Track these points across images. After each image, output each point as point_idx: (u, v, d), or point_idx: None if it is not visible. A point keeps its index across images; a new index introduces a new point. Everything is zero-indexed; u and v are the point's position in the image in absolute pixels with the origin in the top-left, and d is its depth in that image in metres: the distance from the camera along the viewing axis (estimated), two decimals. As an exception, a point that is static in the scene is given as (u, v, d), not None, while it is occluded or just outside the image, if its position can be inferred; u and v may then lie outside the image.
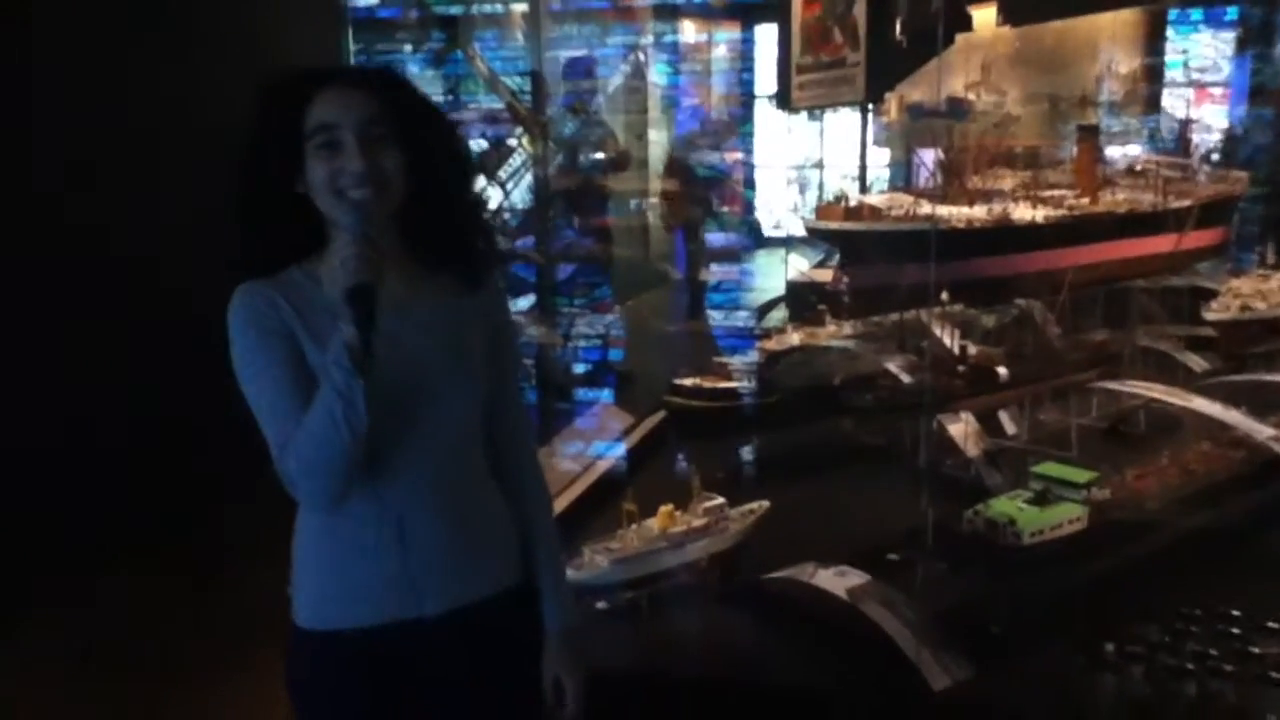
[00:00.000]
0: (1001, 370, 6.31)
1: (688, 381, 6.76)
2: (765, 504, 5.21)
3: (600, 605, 4.76)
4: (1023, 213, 6.84)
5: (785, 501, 5.28)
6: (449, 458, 1.98)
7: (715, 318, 7.71)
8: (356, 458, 1.80)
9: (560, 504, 5.59)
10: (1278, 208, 7.55)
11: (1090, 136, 7.64)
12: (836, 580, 4.53)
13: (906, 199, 6.90)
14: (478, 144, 6.77)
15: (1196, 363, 6.54)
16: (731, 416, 6.60)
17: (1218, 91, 8.22)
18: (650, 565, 4.81)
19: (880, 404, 6.31)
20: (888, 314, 6.84)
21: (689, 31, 8.67)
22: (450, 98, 6.78)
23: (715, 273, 8.06)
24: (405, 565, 1.93)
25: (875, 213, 6.74)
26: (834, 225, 6.88)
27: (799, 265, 8.05)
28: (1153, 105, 8.20)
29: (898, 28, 7.05)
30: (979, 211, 6.78)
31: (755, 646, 4.47)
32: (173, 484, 3.14)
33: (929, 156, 7.87)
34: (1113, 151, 8.03)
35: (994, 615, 4.39)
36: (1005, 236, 6.67)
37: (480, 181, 6.63)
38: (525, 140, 6.83)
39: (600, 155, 7.40)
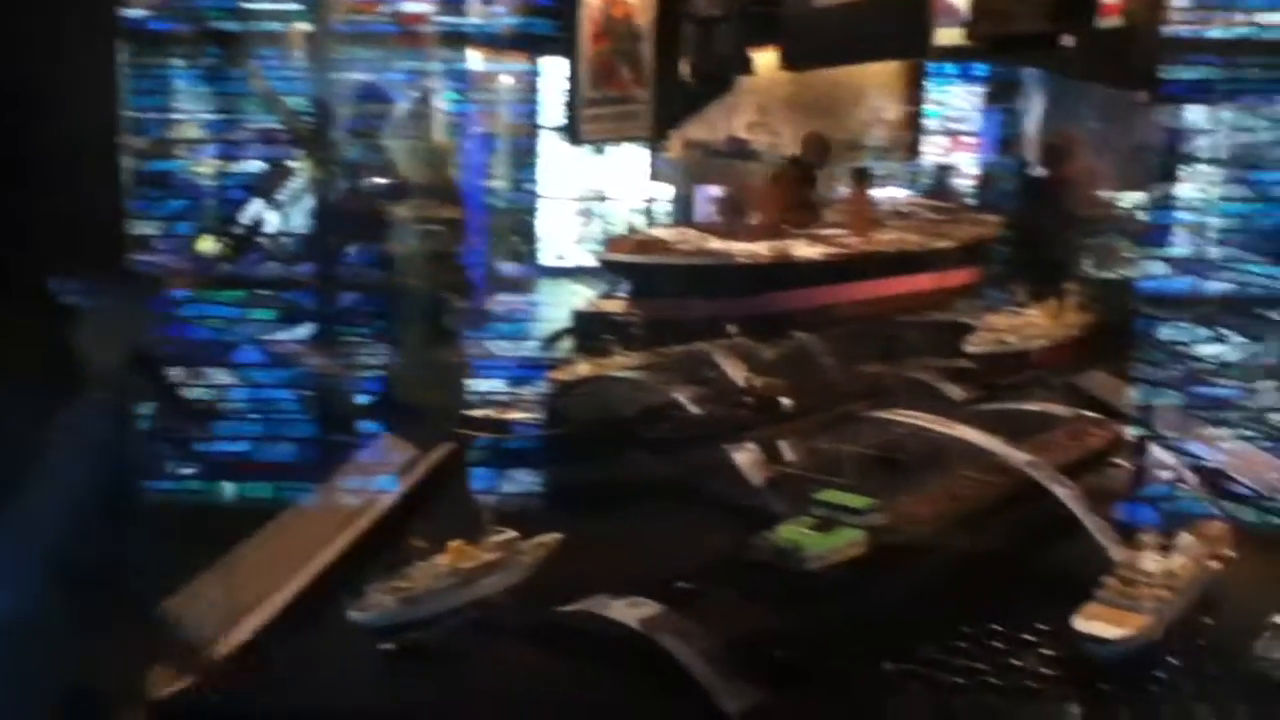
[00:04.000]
0: (785, 401, 6.50)
1: (479, 413, 6.64)
2: (557, 536, 5.17)
3: (386, 647, 4.58)
4: (803, 250, 7.12)
5: (578, 534, 5.25)
6: None
7: (504, 347, 7.61)
8: None
9: (342, 541, 5.37)
10: (1026, 250, 8.17)
11: (862, 179, 8.05)
12: (629, 611, 4.54)
13: (694, 234, 7.06)
14: (257, 165, 6.46)
15: (956, 393, 6.91)
16: (524, 449, 6.53)
17: (971, 140, 8.83)
18: (441, 603, 4.67)
19: (671, 435, 6.38)
20: (675, 346, 6.95)
21: (476, 61, 8.56)
22: (226, 115, 6.44)
23: (502, 302, 7.96)
24: None
25: (665, 246, 6.85)
26: (625, 258, 6.94)
27: (586, 296, 8.06)
28: (915, 151, 8.73)
29: (685, 68, 7.23)
30: (762, 248, 7.01)
31: (550, 680, 4.41)
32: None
33: (712, 193, 8.09)
34: (879, 193, 8.49)
35: (781, 640, 4.49)
36: (787, 273, 6.92)
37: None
38: (307, 163, 6.57)
39: (383, 181, 7.20)
